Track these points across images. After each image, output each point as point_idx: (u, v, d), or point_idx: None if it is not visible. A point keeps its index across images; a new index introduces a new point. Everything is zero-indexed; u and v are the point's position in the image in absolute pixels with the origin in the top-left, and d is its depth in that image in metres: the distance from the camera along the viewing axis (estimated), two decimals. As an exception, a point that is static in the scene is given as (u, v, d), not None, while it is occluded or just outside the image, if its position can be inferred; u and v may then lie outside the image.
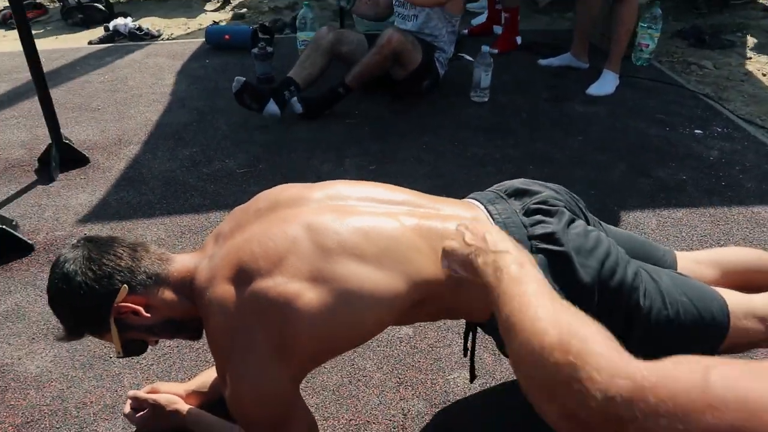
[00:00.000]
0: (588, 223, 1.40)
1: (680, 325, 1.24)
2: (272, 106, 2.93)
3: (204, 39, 4.14)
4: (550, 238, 1.23)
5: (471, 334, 1.44)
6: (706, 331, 1.26)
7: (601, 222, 1.51)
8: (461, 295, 1.20)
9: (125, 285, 1.17)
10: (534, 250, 1.22)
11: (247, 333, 1.09)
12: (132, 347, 1.25)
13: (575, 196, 1.45)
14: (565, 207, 1.33)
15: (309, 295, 1.08)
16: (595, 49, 3.63)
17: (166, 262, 1.24)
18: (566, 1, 4.34)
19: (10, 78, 3.63)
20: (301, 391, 1.23)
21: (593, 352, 0.64)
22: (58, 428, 1.51)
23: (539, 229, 1.25)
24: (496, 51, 3.66)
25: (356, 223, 1.17)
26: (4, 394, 1.61)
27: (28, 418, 1.54)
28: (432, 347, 1.73)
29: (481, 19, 4.41)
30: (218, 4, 5.37)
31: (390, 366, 1.67)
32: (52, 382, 1.64)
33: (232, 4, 5.34)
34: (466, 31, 4.28)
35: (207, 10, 5.23)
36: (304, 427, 1.19)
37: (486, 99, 3.23)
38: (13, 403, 1.59)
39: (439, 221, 1.23)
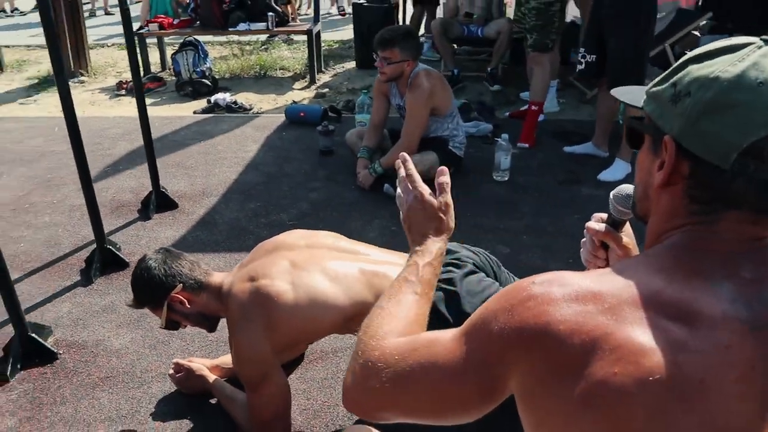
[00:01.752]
0: (497, 277, 1.97)
1: None
2: (389, 189, 3.57)
3: (284, 115, 4.99)
4: (449, 281, 1.82)
5: None
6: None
7: (515, 277, 2.07)
8: None
9: (181, 284, 1.86)
10: (437, 289, 1.81)
11: (248, 314, 1.74)
12: (171, 324, 1.93)
13: (492, 257, 2.03)
14: (474, 264, 1.91)
15: (289, 294, 1.73)
16: (617, 137, 4.12)
17: (208, 275, 1.94)
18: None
19: (130, 138, 4.58)
20: (295, 379, 1.85)
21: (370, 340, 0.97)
22: (126, 383, 2.19)
23: (445, 275, 1.84)
24: (527, 146, 4.24)
25: (320, 262, 1.84)
26: (96, 358, 2.32)
27: (109, 374, 2.24)
28: (399, 360, 2.30)
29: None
30: (305, 84, 6.29)
31: (364, 370, 2.25)
32: (128, 354, 2.34)
33: (317, 84, 6.23)
34: (507, 114, 4.89)
35: (294, 89, 6.15)
36: (280, 384, 1.81)
37: (506, 179, 3.81)
38: (100, 364, 2.29)
39: (376, 265, 1.89)
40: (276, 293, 1.72)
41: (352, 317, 1.79)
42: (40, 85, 6.33)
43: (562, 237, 3.17)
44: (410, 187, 1.20)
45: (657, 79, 0.85)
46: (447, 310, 1.77)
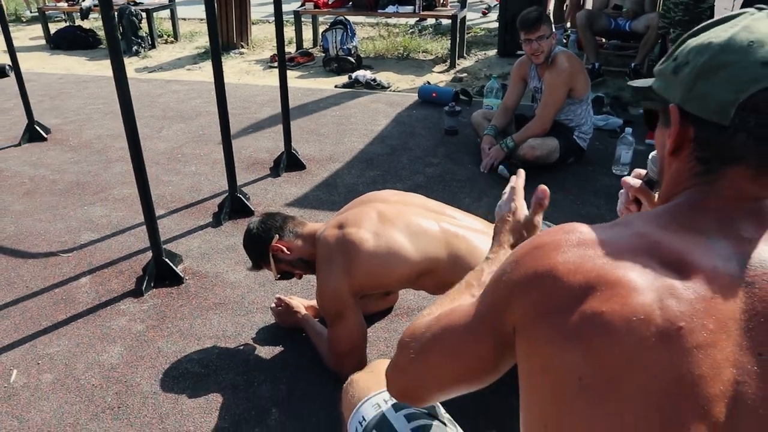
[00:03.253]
0: None
1: None
2: (504, 170, 3.70)
3: (417, 94, 5.18)
4: None
5: None
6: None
7: None
8: (455, 273, 1.92)
9: (276, 235, 2.12)
10: None
11: (332, 256, 1.95)
12: (283, 274, 2.18)
13: None
14: None
15: (370, 243, 1.91)
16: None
17: (303, 225, 2.19)
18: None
19: (274, 105, 4.98)
20: (379, 328, 2.13)
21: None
22: (234, 310, 2.50)
23: None
24: (652, 141, 4.12)
25: (406, 216, 1.99)
26: (214, 287, 2.66)
27: (221, 301, 2.56)
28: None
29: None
30: (445, 68, 6.44)
31: (444, 330, 2.40)
32: (240, 287, 2.66)
33: (456, 69, 6.37)
34: (641, 111, 4.75)
35: (434, 71, 6.32)
36: (355, 322, 2.01)
37: (626, 173, 3.74)
38: (217, 292, 2.63)
39: (458, 227, 2.01)
40: (359, 240, 1.92)
41: (423, 272, 1.94)
42: (206, 53, 7.01)
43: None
44: (511, 198, 1.32)
45: (663, 58, 0.93)
46: None
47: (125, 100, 2.37)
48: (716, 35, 0.83)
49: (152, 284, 2.65)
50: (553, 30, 3.58)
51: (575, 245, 0.83)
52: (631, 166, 3.73)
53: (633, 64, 5.60)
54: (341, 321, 1.99)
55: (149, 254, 2.72)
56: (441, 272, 1.95)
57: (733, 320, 0.76)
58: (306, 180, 3.70)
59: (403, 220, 1.97)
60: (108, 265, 2.84)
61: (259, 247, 2.15)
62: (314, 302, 2.43)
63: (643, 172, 1.24)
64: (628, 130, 3.73)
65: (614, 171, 3.77)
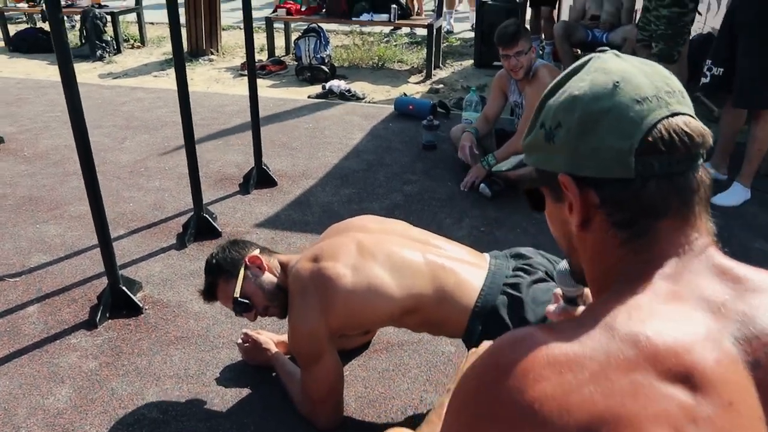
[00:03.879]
0: None
1: None
2: (485, 188, 3.52)
3: (393, 106, 5.02)
4: (515, 287, 1.75)
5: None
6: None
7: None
8: (442, 311, 1.76)
9: (257, 249, 1.92)
10: (501, 292, 1.75)
11: (307, 293, 1.76)
12: (244, 303, 1.88)
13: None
14: (546, 272, 1.83)
15: (348, 278, 1.73)
16: (738, 159, 3.80)
17: (278, 253, 2.00)
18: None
19: (244, 115, 4.75)
20: (356, 366, 1.87)
21: None
22: (198, 345, 2.29)
23: (512, 280, 1.78)
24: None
25: (387, 247, 1.81)
26: (176, 318, 2.44)
27: (184, 335, 2.35)
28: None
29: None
30: (420, 78, 6.29)
31: (426, 368, 2.22)
32: (205, 318, 2.44)
33: (432, 80, 6.22)
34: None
35: (410, 82, 6.17)
36: (332, 365, 1.82)
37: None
38: (179, 324, 2.41)
39: (444, 258, 1.83)
40: (335, 275, 1.73)
41: (407, 310, 1.76)
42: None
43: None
44: None
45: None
46: (509, 315, 1.71)
47: (75, 108, 2.16)
48: (576, 87, 0.75)
49: (107, 314, 2.43)
50: (532, 44, 3.45)
51: (546, 367, 0.63)
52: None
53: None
54: (316, 364, 1.80)
55: (105, 279, 2.50)
56: (427, 310, 1.78)
57: (758, 419, 0.63)
58: (277, 198, 3.50)
59: (384, 252, 1.80)
60: (60, 291, 2.60)
61: (229, 263, 1.90)
62: (285, 337, 2.23)
63: (559, 291, 1.12)
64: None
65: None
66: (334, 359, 1.83)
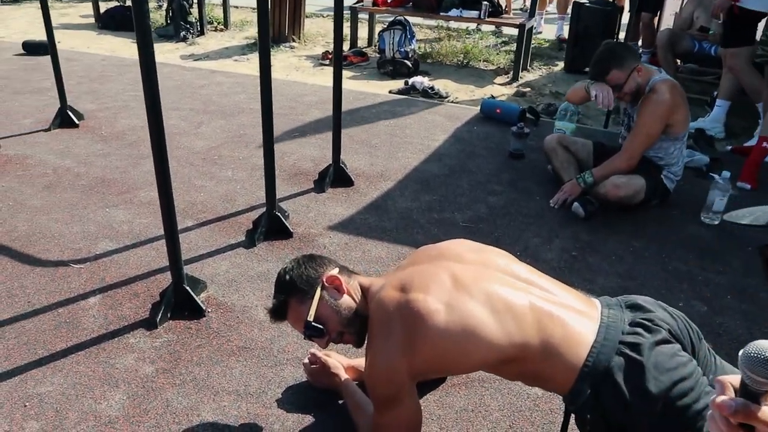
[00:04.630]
0: (694, 351, 1.59)
1: None
2: (579, 208, 3.23)
3: (479, 108, 4.74)
4: (635, 347, 1.48)
5: (567, 413, 1.71)
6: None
7: (716, 356, 1.67)
8: (549, 365, 1.51)
9: (336, 268, 1.72)
10: (618, 353, 1.48)
11: (392, 328, 1.54)
12: (317, 327, 1.68)
13: (693, 325, 1.64)
14: (669, 331, 1.55)
15: (443, 316, 1.50)
16: None
17: (357, 275, 1.79)
18: None
19: (323, 107, 4.62)
20: (431, 402, 1.63)
21: None
22: (261, 359, 2.11)
23: (630, 338, 1.50)
24: (748, 186, 3.63)
25: (487, 285, 1.56)
26: (239, 324, 2.28)
27: (247, 345, 2.18)
28: (552, 411, 1.98)
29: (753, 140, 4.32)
30: (507, 80, 5.98)
31: (510, 411, 1.97)
32: (269, 328, 2.26)
33: (519, 82, 5.90)
34: (729, 148, 4.24)
35: (495, 83, 5.87)
36: (410, 411, 1.60)
37: (716, 222, 3.26)
38: (242, 332, 2.24)
39: (551, 304, 1.57)
40: (426, 311, 1.50)
41: (507, 360, 1.52)
42: (256, 45, 6.66)
43: (776, 307, 2.61)
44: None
45: None
46: (625, 383, 1.44)
47: (152, 94, 2.00)
48: None
49: (168, 315, 2.28)
50: (634, 66, 3.08)
51: None
52: (722, 215, 3.25)
53: (715, 93, 5.07)
54: (393, 408, 1.58)
55: (169, 275, 2.36)
56: (529, 362, 1.53)
57: None
58: (354, 199, 3.30)
59: (484, 290, 1.55)
60: (122, 284, 2.48)
61: (304, 281, 1.71)
62: (356, 362, 2.02)
63: (731, 380, 0.82)
64: (725, 174, 3.25)
65: (703, 219, 3.29)
66: (413, 404, 1.61)
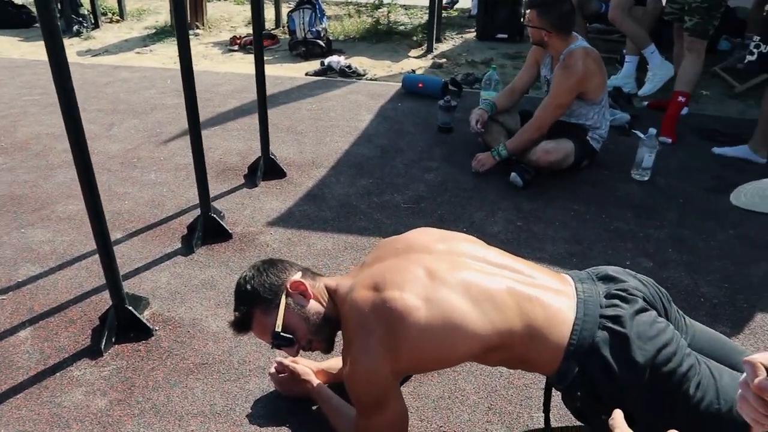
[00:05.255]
0: (667, 315, 1.60)
1: (731, 419, 1.39)
2: (516, 178, 3.23)
3: (401, 84, 4.68)
4: (616, 320, 1.47)
5: (548, 390, 1.69)
6: None
7: (685, 316, 1.70)
8: (534, 348, 1.48)
9: (299, 272, 1.62)
10: (600, 327, 1.47)
11: (370, 329, 1.46)
12: (285, 336, 1.59)
13: (662, 289, 1.65)
14: (643, 298, 1.55)
15: (423, 312, 1.43)
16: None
17: (320, 276, 1.69)
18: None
19: (240, 96, 4.42)
20: (406, 394, 1.58)
21: None
22: (222, 374, 1.99)
23: (610, 311, 1.49)
24: (669, 141, 3.75)
25: (463, 275, 1.51)
26: (192, 340, 2.14)
27: (203, 361, 2.04)
28: (526, 386, 1.98)
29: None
30: (421, 52, 5.94)
31: (486, 392, 1.95)
32: (225, 340, 2.14)
33: (434, 53, 5.88)
34: (646, 103, 4.39)
35: (410, 56, 5.82)
36: (397, 412, 1.53)
37: (646, 178, 3.36)
38: (196, 347, 2.10)
39: (529, 286, 1.54)
40: (405, 309, 1.43)
41: (492, 348, 1.48)
42: (157, 35, 6.32)
43: (713, 255, 2.72)
44: None
45: None
46: (612, 356, 1.43)
47: (66, 91, 1.79)
48: None
49: (113, 339, 2.11)
50: (547, 29, 3.15)
51: None
52: (653, 171, 3.35)
53: (624, 51, 5.22)
54: (379, 410, 1.51)
55: (106, 295, 2.18)
56: (515, 348, 1.49)
57: None
58: (288, 191, 3.17)
59: (460, 280, 1.50)
60: (54, 311, 2.27)
61: (267, 289, 1.60)
62: (326, 365, 1.94)
63: (761, 359, 0.81)
64: (652, 131, 3.34)
65: (633, 176, 3.38)
66: (399, 406, 1.54)
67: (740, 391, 0.84)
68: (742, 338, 2.20)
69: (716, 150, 3.71)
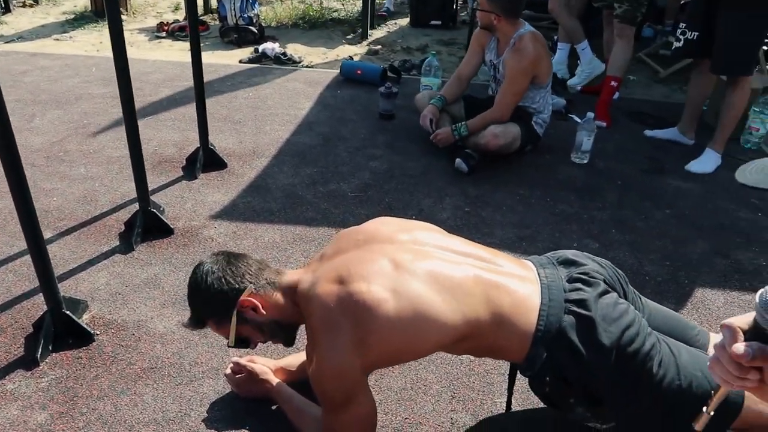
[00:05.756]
0: (625, 296, 1.62)
1: (692, 395, 1.42)
2: (461, 164, 3.21)
3: (339, 71, 4.60)
4: (581, 303, 1.47)
5: (513, 375, 1.69)
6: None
7: (641, 296, 1.72)
8: (502, 336, 1.46)
9: (251, 284, 1.53)
10: (566, 311, 1.46)
11: (338, 325, 1.40)
12: (241, 342, 1.59)
13: (619, 272, 1.67)
14: (604, 280, 1.56)
15: (391, 304, 1.38)
16: (704, 125, 3.73)
17: (280, 274, 1.60)
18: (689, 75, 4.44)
19: (172, 84, 4.23)
20: (369, 385, 1.53)
21: None
22: (173, 377, 1.89)
23: (574, 295, 1.49)
24: (604, 124, 3.84)
25: (428, 265, 1.47)
26: (137, 343, 2.01)
27: (152, 364, 1.93)
28: (488, 372, 1.96)
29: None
30: (356, 39, 5.86)
31: (448, 381, 1.92)
32: (174, 341, 2.03)
33: (369, 40, 5.81)
34: (579, 88, 4.47)
35: (345, 43, 5.73)
36: (366, 409, 1.48)
37: (585, 161, 3.42)
38: (143, 351, 1.98)
39: (494, 274, 1.51)
40: (373, 302, 1.38)
41: (461, 338, 1.45)
42: (77, 21, 5.97)
43: (653, 234, 2.79)
44: None
45: None
46: (579, 340, 1.43)
47: None
48: None
49: (50, 347, 1.96)
50: (498, 12, 3.13)
51: None
52: (591, 155, 3.42)
53: (556, 37, 5.31)
54: (348, 407, 1.45)
55: (39, 299, 2.02)
56: (483, 337, 1.47)
57: None
58: (230, 182, 3.05)
59: (425, 269, 1.46)
60: (-18, 319, 2.10)
61: (222, 301, 1.54)
62: (284, 362, 1.87)
63: (738, 323, 0.84)
64: (590, 115, 3.40)
65: (573, 159, 3.44)
66: (368, 400, 1.49)
67: (714, 353, 0.86)
68: (686, 313, 2.27)
69: (648, 132, 3.83)
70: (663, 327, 1.61)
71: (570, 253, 1.67)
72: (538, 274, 1.58)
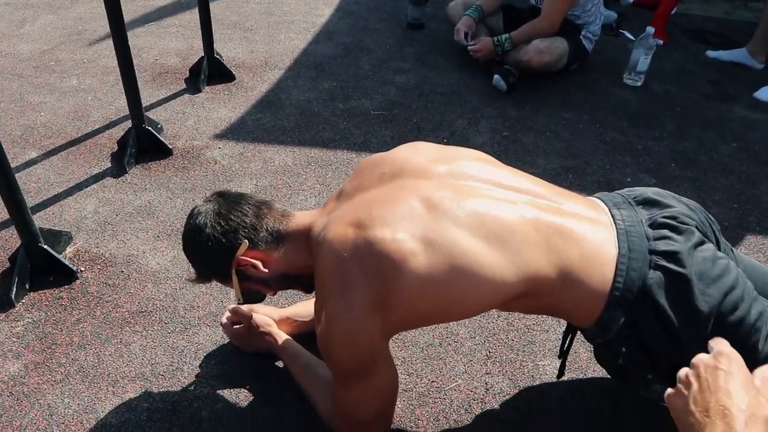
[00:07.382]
0: (719, 249, 1.29)
1: None
2: (500, 81, 2.85)
3: (362, -26, 4.14)
4: (672, 256, 1.14)
5: (570, 335, 1.39)
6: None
7: (733, 250, 1.39)
8: (569, 295, 1.16)
9: (247, 240, 1.23)
10: (652, 266, 1.15)
11: (352, 278, 1.10)
12: (251, 296, 1.34)
13: (711, 217, 1.33)
14: (697, 227, 1.23)
15: (421, 258, 1.08)
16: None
17: (287, 218, 1.29)
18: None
19: (176, -14, 3.83)
20: (392, 342, 1.26)
21: None
22: (165, 323, 1.64)
23: (662, 245, 1.16)
24: (660, 42, 3.39)
25: (473, 205, 1.14)
26: (126, 282, 1.76)
27: (142, 308, 1.68)
28: (529, 329, 1.69)
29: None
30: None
31: (483, 337, 1.65)
32: (168, 280, 1.77)
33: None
34: (632, 1, 3.99)
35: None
36: (385, 380, 1.21)
37: (639, 84, 3.02)
38: (132, 291, 1.73)
39: (558, 216, 1.18)
40: (399, 255, 1.08)
41: (515, 297, 1.15)
42: None
43: (718, 170, 2.44)
44: None
45: None
46: (669, 302, 1.12)
47: None
48: None
49: (27, 286, 1.71)
50: None
51: None
52: (646, 76, 3.01)
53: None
54: (363, 378, 1.18)
55: (12, 232, 1.76)
56: (543, 296, 1.17)
57: None
58: (239, 97, 2.72)
59: (470, 212, 1.14)
60: (-48, 249, 1.85)
61: (216, 262, 1.26)
62: (289, 311, 1.60)
63: None
64: (649, 29, 2.95)
65: (626, 80, 3.03)
66: (388, 370, 1.21)
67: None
68: (761, 264, 1.95)
69: (711, 53, 3.39)
70: (761, 289, 1.28)
71: (651, 191, 1.32)
72: (612, 215, 1.25)
